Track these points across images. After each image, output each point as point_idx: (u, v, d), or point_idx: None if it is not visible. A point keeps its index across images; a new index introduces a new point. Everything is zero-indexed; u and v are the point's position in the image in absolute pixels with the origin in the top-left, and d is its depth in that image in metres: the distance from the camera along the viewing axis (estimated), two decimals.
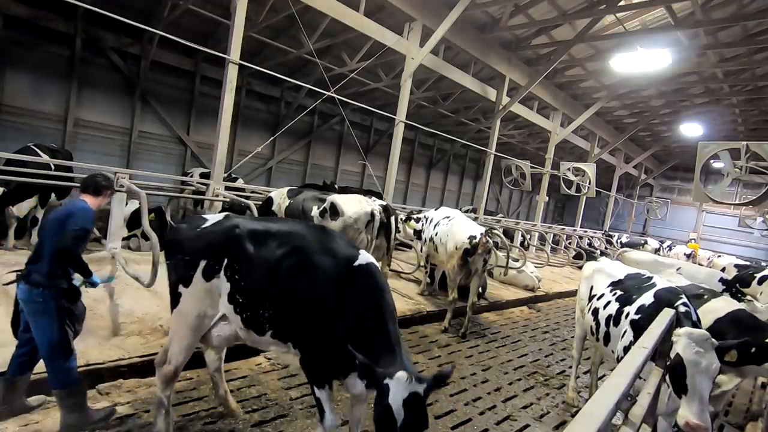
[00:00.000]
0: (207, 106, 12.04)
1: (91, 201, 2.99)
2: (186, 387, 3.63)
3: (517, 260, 9.30)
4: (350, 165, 16.78)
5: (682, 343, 2.59)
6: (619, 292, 3.84)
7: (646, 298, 3.48)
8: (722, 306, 3.95)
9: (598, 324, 3.85)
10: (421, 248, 7.47)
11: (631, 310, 3.51)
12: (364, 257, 2.65)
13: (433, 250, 6.97)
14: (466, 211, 11.43)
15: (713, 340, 2.63)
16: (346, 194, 6.19)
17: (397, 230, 7.17)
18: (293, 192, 6.26)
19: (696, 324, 3.05)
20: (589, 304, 4.16)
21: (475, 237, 6.04)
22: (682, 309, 3.06)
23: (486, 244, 6.06)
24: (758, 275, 9.16)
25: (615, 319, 3.65)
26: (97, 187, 3.03)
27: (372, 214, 5.38)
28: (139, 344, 3.90)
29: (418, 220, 8.09)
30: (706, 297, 4.14)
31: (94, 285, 3.04)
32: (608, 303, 3.83)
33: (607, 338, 3.73)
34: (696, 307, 4.01)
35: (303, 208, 5.69)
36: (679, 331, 2.67)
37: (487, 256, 6.23)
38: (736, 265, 10.84)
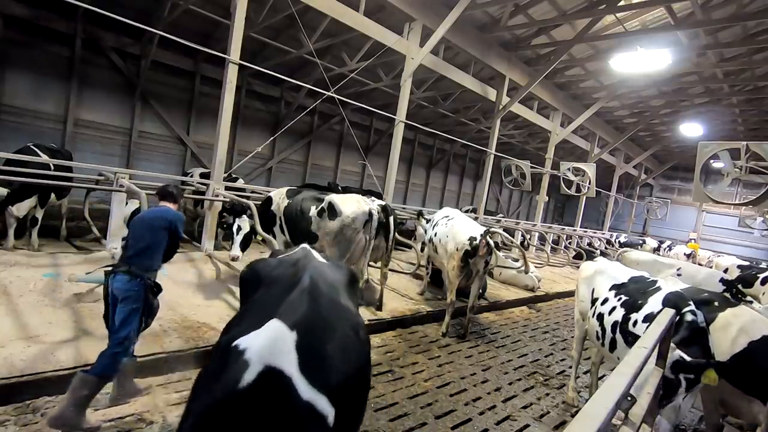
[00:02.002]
0: (207, 106, 12.03)
1: (174, 207, 3.56)
2: (186, 387, 3.63)
3: (517, 260, 9.30)
4: (350, 165, 16.77)
5: None
6: (623, 297, 3.72)
7: (654, 305, 3.35)
8: (748, 322, 3.49)
9: (603, 330, 3.76)
10: (421, 248, 7.45)
11: (638, 317, 3.40)
12: None
13: (433, 251, 6.91)
14: (466, 211, 11.41)
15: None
16: (344, 194, 6.18)
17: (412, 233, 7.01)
18: (292, 192, 6.26)
19: (700, 332, 2.93)
20: (592, 308, 4.10)
21: (475, 238, 5.96)
22: (688, 317, 2.95)
23: (487, 245, 5.98)
24: (761, 276, 9.15)
25: (621, 326, 3.56)
26: (175, 196, 3.61)
27: (370, 214, 5.37)
28: (139, 344, 3.90)
29: (428, 221, 7.94)
30: (716, 304, 3.83)
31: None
32: (613, 308, 3.71)
33: (613, 345, 3.62)
34: (706, 313, 3.88)
35: (301, 209, 5.68)
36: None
37: (489, 258, 6.15)
38: (739, 266, 10.82)
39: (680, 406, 2.52)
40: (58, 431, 2.78)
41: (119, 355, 3.03)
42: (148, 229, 3.28)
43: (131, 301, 3.09)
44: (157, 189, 3.65)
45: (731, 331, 3.51)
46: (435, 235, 6.83)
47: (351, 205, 5.37)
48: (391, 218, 5.90)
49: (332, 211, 5.31)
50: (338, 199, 5.43)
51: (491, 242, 6.08)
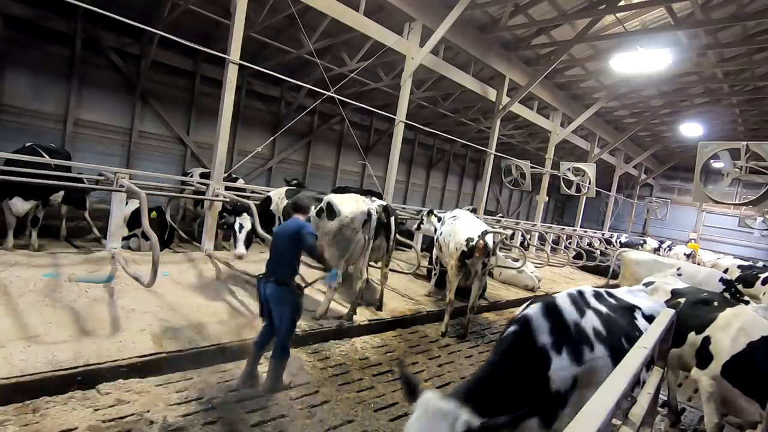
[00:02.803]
0: (207, 106, 12.03)
1: (302, 218, 4.06)
2: (186, 387, 3.63)
3: (517, 260, 9.30)
4: (350, 165, 16.77)
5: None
6: None
7: None
8: (749, 322, 3.54)
9: None
10: (422, 249, 7.42)
11: None
12: None
13: (439, 250, 6.94)
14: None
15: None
16: (342, 194, 6.17)
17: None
18: (291, 192, 6.26)
19: None
20: None
21: (472, 239, 5.94)
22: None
23: (484, 246, 5.96)
24: (762, 276, 9.16)
25: None
26: (305, 208, 4.23)
27: (368, 214, 5.36)
28: (139, 344, 3.90)
29: (439, 219, 7.74)
30: (716, 304, 3.88)
31: (333, 278, 4.46)
32: None
33: None
34: (705, 314, 3.90)
35: None
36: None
37: (486, 259, 6.14)
38: (739, 266, 10.84)
39: None
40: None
41: (287, 342, 3.78)
42: (286, 242, 3.84)
43: (282, 304, 3.75)
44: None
45: (731, 332, 3.53)
46: (440, 234, 6.85)
47: (349, 205, 5.36)
48: (392, 219, 5.91)
49: (331, 211, 5.31)
50: (337, 199, 5.43)
51: (489, 243, 6.07)
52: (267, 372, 3.83)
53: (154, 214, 6.98)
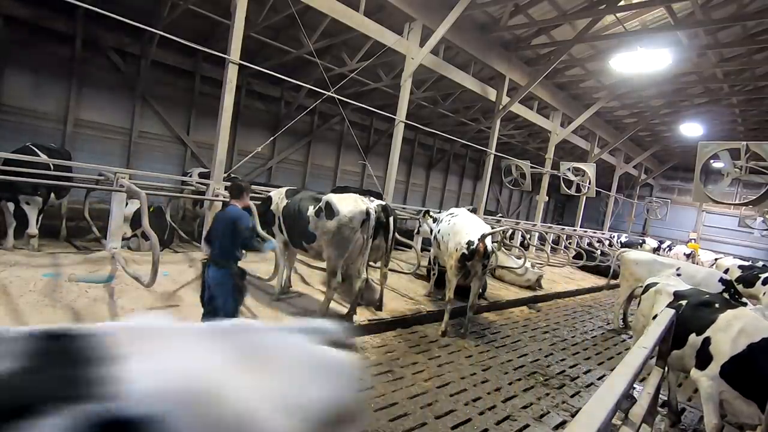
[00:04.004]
0: (207, 106, 12.03)
1: (239, 204, 3.96)
2: None
3: (519, 258, 9.32)
4: (350, 165, 16.78)
5: None
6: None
7: None
8: (750, 323, 3.52)
9: None
10: (421, 249, 7.42)
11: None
12: None
13: (437, 248, 6.93)
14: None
15: None
16: (341, 194, 6.16)
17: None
18: (291, 192, 6.25)
19: None
20: None
21: (473, 242, 5.92)
22: None
23: (484, 250, 5.94)
24: (763, 276, 9.16)
25: None
26: (239, 193, 4.01)
27: (367, 213, 5.35)
28: None
29: (435, 219, 7.75)
30: (717, 305, 3.89)
31: (272, 248, 4.32)
32: None
33: None
34: (706, 315, 3.91)
35: (299, 208, 5.68)
36: None
37: (486, 261, 6.14)
38: (740, 266, 10.83)
39: None
40: None
41: None
42: (219, 229, 3.86)
43: (220, 287, 3.81)
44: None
45: (731, 333, 3.53)
46: (438, 232, 6.84)
47: (348, 205, 5.36)
48: (391, 218, 5.90)
49: (330, 211, 5.30)
50: (335, 199, 5.42)
51: (489, 246, 6.07)
52: None
53: (152, 208, 6.98)
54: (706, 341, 3.72)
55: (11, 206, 5.93)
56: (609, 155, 18.71)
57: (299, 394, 1.21)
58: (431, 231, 7.45)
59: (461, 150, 21.04)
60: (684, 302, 4.27)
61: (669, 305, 4.22)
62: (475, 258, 5.93)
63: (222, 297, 3.76)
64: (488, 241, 6.07)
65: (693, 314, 4.00)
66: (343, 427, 1.33)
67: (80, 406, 0.88)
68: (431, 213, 8.12)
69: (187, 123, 12.14)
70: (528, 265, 9.31)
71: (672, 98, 14.38)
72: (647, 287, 5.00)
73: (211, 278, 3.79)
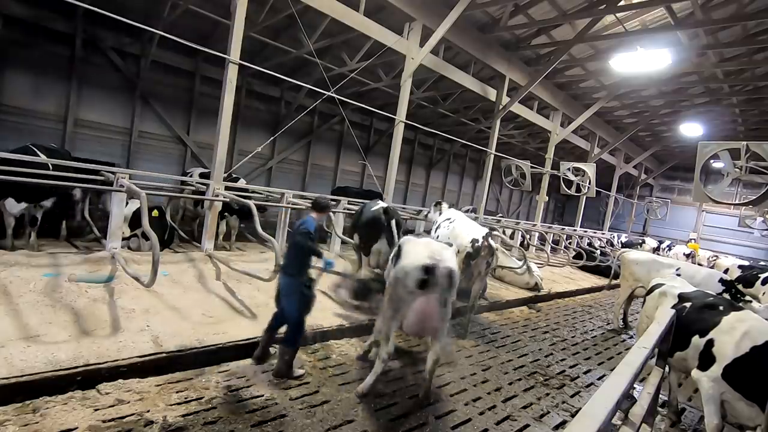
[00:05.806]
0: (207, 106, 12.03)
1: (315, 216, 4.10)
2: (186, 387, 3.63)
3: (520, 258, 9.32)
4: (350, 165, 16.77)
5: None
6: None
7: None
8: (754, 326, 3.54)
9: None
10: None
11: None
12: None
13: None
14: (466, 211, 11.40)
15: None
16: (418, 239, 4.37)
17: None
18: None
19: None
20: None
21: (477, 240, 6.00)
22: None
23: (489, 247, 6.00)
24: (762, 276, 9.16)
25: None
26: (322, 206, 4.15)
27: (427, 271, 3.75)
28: (139, 344, 3.90)
29: (440, 212, 7.57)
30: (721, 308, 3.89)
31: (330, 265, 4.06)
32: None
33: None
34: (710, 318, 3.90)
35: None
36: None
37: (490, 259, 6.18)
38: (740, 266, 10.83)
39: None
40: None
41: (297, 331, 4.00)
42: (292, 238, 4.11)
43: (290, 296, 4.00)
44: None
45: (735, 335, 3.54)
46: (437, 237, 6.83)
47: (411, 253, 3.98)
48: (394, 221, 5.92)
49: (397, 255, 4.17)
50: (410, 245, 4.14)
51: (493, 244, 6.10)
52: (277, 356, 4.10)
53: (156, 212, 6.98)
54: (710, 343, 3.72)
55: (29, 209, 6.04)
56: (609, 155, 18.71)
57: None
58: (434, 223, 7.43)
59: (461, 150, 21.04)
60: (688, 304, 4.27)
61: (673, 307, 4.22)
62: (480, 256, 5.95)
63: (288, 305, 3.97)
64: (491, 239, 6.11)
65: (697, 316, 4.01)
66: None
67: None
68: (443, 204, 8.07)
69: (187, 123, 12.13)
70: (535, 268, 9.30)
71: (672, 98, 14.38)
72: (652, 288, 5.00)
73: (282, 285, 4.03)
